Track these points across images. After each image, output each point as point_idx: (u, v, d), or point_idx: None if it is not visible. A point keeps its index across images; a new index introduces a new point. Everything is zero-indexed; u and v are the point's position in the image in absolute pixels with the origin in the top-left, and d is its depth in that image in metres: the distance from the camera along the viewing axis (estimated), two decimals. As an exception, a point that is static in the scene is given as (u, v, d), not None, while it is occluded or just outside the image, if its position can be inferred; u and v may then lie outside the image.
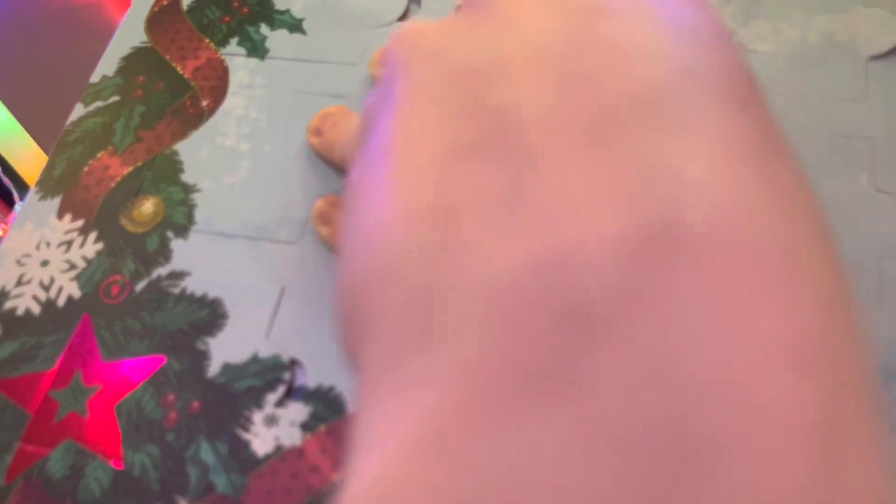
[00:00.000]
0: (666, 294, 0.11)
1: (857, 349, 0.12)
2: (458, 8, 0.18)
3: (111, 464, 0.24)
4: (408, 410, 0.11)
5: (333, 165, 0.28)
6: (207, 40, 0.32)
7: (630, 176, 0.12)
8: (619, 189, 0.12)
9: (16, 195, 0.82)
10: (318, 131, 0.28)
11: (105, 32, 0.69)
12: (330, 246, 0.26)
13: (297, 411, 0.24)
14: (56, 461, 0.24)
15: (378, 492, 0.11)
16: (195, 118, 0.30)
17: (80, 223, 0.28)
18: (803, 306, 0.11)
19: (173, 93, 0.31)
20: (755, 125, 0.13)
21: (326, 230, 0.26)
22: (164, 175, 0.29)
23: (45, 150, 0.71)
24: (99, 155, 0.30)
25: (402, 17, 0.32)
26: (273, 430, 0.24)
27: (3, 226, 0.76)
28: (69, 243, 0.28)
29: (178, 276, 0.27)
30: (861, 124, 0.27)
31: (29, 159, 0.80)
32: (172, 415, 0.24)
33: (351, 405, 0.24)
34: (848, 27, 0.29)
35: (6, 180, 0.80)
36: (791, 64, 0.28)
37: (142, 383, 0.25)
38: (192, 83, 0.31)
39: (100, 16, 0.61)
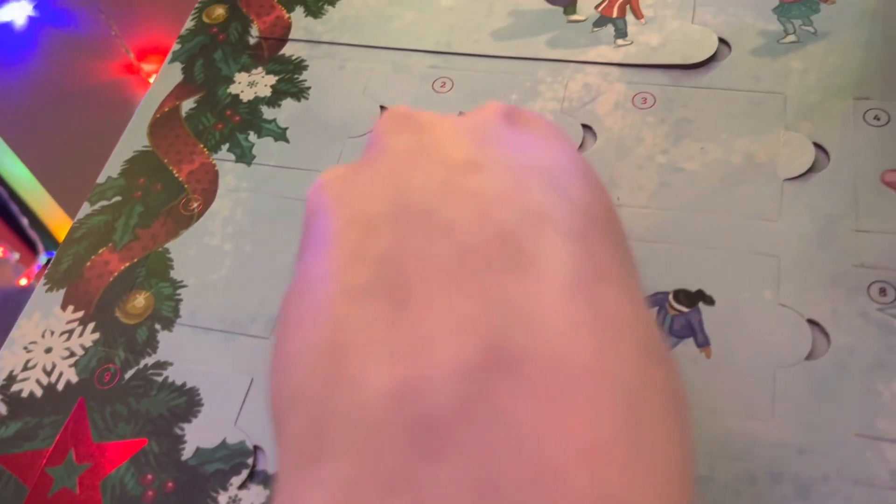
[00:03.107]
0: (489, 411, 0.13)
1: (660, 438, 0.14)
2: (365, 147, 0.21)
3: (94, 536, 0.27)
4: None
5: None
6: (202, 146, 0.36)
7: (476, 311, 0.15)
8: (466, 322, 0.15)
9: (40, 246, 0.87)
10: None
11: (124, 105, 0.74)
12: None
13: (257, 494, 0.27)
14: (48, 532, 0.27)
15: None
16: (186, 218, 0.34)
17: (80, 314, 0.32)
18: (604, 413, 0.14)
19: (169, 194, 0.35)
20: (587, 255, 0.16)
21: None
22: (156, 271, 0.33)
23: (64, 208, 0.76)
24: (101, 251, 0.34)
25: (374, 128, 0.36)
26: (235, 509, 0.27)
27: (25, 277, 0.81)
28: (70, 332, 0.32)
29: (161, 365, 0.30)
30: (772, 242, 0.30)
31: (54, 214, 0.85)
32: (150, 493, 0.28)
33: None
34: (768, 149, 0.32)
35: (32, 232, 0.85)
36: (714, 183, 0.32)
37: (125, 462, 0.28)
38: (186, 185, 0.35)
39: (120, 91, 0.66)
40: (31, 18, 0.61)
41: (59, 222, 0.86)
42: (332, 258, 0.18)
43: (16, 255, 0.79)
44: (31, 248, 0.87)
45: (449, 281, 0.16)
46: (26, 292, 0.88)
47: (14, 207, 0.81)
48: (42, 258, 0.86)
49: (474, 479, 0.13)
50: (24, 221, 0.84)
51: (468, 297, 0.15)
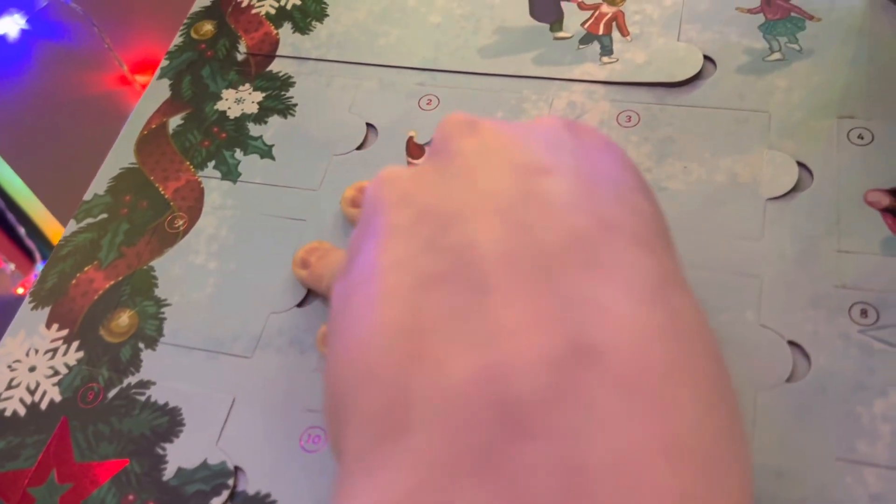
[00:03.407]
0: (574, 399, 0.14)
1: (729, 439, 0.15)
2: (427, 148, 0.22)
3: (74, 557, 0.27)
4: (374, 488, 0.15)
5: (320, 294, 0.31)
6: (188, 163, 0.37)
7: (557, 305, 0.15)
8: (549, 315, 0.15)
9: (38, 254, 0.87)
10: (305, 263, 0.31)
11: (117, 116, 0.75)
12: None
13: (237, 515, 0.27)
14: (28, 552, 0.27)
15: None
16: (172, 236, 0.34)
17: (64, 332, 0.32)
18: (679, 410, 0.14)
19: (155, 212, 0.35)
20: (657, 264, 0.17)
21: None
22: (140, 290, 0.33)
23: (59, 219, 0.76)
24: (86, 269, 0.34)
25: (360, 146, 0.36)
26: (215, 531, 0.27)
27: (21, 286, 0.81)
28: (54, 351, 0.32)
29: (144, 384, 0.30)
30: (754, 263, 0.30)
31: (52, 223, 0.85)
32: (131, 513, 0.28)
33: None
34: (751, 168, 0.32)
35: (29, 241, 0.85)
36: (697, 202, 0.32)
37: (106, 482, 0.28)
38: (172, 203, 0.35)
39: (114, 103, 0.66)
40: (23, 31, 0.61)
41: (56, 231, 0.87)
42: (403, 247, 0.18)
43: (11, 266, 0.79)
44: (29, 256, 0.88)
45: (528, 276, 0.16)
46: (22, 301, 0.88)
47: (11, 217, 0.81)
48: (39, 267, 0.86)
49: (562, 459, 0.13)
50: (21, 231, 0.84)
51: (548, 292, 0.16)
